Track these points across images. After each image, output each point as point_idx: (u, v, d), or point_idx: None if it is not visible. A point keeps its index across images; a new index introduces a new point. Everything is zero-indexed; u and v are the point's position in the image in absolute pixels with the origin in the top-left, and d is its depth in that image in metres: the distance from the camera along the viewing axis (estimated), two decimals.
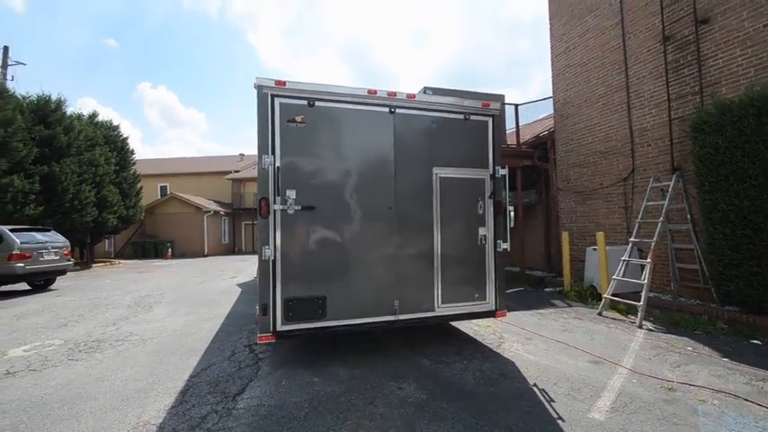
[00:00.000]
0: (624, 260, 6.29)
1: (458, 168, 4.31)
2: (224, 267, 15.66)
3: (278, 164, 3.68)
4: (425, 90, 8.36)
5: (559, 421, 2.78)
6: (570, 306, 6.79)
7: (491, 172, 4.42)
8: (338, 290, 3.84)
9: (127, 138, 20.49)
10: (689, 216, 6.14)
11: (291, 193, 3.73)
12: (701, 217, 5.71)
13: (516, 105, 10.67)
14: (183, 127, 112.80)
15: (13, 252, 8.74)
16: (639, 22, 7.17)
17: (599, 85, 8.06)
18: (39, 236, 9.79)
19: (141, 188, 21.36)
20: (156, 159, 36.47)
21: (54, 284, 10.54)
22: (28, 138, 13.48)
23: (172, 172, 31.33)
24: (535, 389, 3.33)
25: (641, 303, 5.41)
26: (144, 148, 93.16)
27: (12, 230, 9.16)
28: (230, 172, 30.07)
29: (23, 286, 9.89)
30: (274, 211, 3.67)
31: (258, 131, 3.68)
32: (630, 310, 5.91)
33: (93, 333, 5.39)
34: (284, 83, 3.72)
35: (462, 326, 5.32)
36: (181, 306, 7.31)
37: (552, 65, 9.37)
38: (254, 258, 16.28)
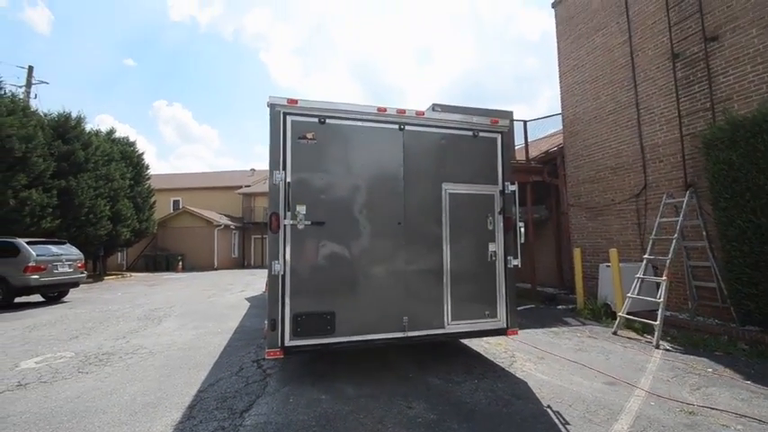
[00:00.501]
0: (639, 277, 6.16)
1: (467, 184, 4.31)
2: (233, 281, 15.72)
3: (289, 179, 3.73)
4: (434, 107, 8.46)
5: None
6: (584, 324, 6.64)
7: (500, 188, 4.40)
8: (347, 306, 3.82)
9: (142, 153, 20.98)
10: (704, 233, 6.01)
11: (302, 209, 3.76)
12: (718, 234, 5.59)
13: (525, 121, 10.72)
14: (196, 143, 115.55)
15: (29, 264, 8.94)
16: (648, 40, 7.21)
17: (608, 101, 8.07)
18: (54, 248, 10.00)
19: (155, 202, 21.73)
20: (169, 174, 37.20)
21: (67, 296, 10.70)
22: (47, 153, 13.90)
23: (184, 186, 31.92)
24: (549, 410, 3.23)
25: (658, 322, 5.26)
26: (158, 163, 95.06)
27: (28, 243, 9.39)
28: (241, 186, 30.47)
29: (37, 298, 10.07)
30: (284, 225, 3.70)
31: (270, 148, 3.76)
32: (646, 330, 5.75)
33: (104, 346, 5.42)
34: (296, 101, 3.81)
35: (473, 343, 5.22)
36: (190, 320, 7.33)
37: (560, 82, 9.43)
38: (263, 272, 16.35)
